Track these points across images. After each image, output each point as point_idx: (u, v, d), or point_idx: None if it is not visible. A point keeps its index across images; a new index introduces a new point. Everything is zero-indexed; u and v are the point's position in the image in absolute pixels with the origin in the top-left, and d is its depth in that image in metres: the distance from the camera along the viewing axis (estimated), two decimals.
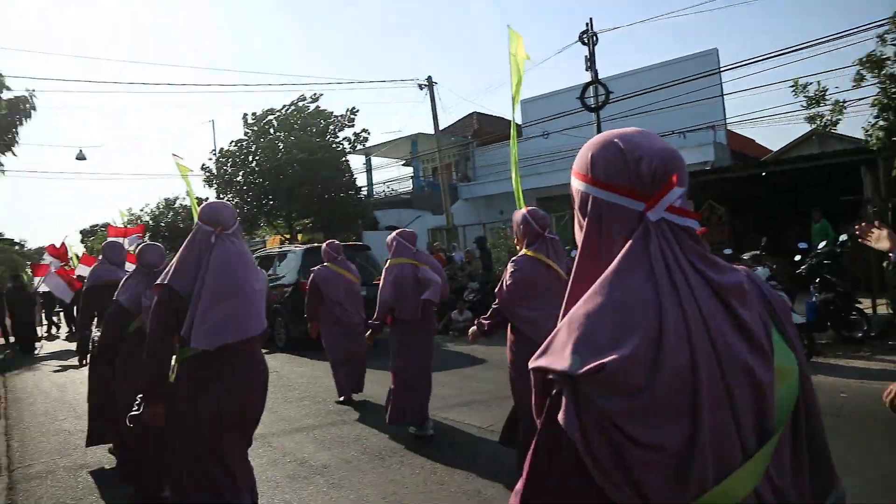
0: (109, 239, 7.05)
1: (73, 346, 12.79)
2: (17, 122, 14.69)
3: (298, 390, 7.16)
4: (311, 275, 6.36)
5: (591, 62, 13.85)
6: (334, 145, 19.59)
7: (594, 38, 13.80)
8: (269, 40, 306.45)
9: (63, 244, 14.54)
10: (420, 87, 18.31)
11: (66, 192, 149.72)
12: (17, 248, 41.99)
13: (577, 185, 1.00)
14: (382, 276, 5.03)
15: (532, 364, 0.89)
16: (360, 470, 4.30)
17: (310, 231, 20.52)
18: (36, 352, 13.67)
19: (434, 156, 25.72)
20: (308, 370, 8.39)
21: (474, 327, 3.95)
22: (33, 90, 14.42)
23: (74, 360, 9.80)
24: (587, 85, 13.81)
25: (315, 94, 19.81)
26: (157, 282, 2.80)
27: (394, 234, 5.14)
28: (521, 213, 3.61)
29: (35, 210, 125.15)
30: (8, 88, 14.79)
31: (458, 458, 4.40)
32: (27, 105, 14.41)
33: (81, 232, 45.67)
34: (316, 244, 10.60)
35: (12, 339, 14.33)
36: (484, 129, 25.31)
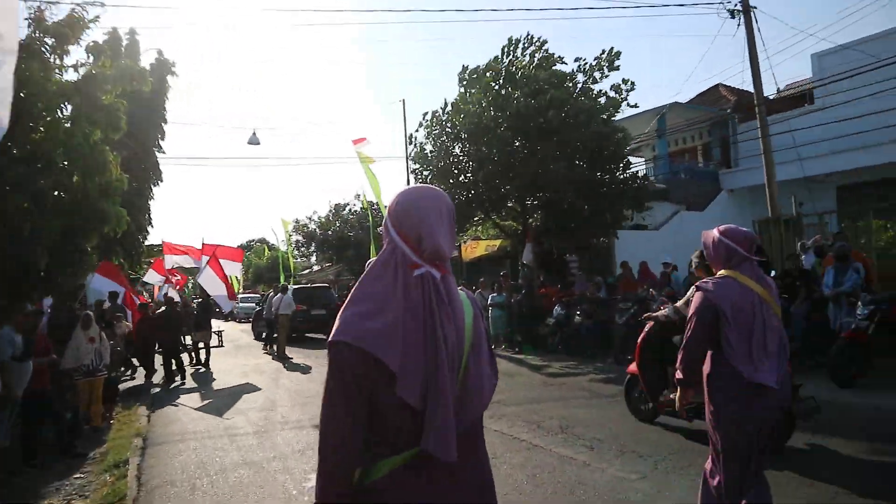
0: None
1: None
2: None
3: None
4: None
5: None
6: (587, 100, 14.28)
7: None
8: None
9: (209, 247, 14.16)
10: (731, 13, 12.70)
11: (240, 187, 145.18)
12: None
13: None
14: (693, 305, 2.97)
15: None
16: None
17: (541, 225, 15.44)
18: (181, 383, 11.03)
19: (683, 136, 21.57)
20: None
21: None
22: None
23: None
24: None
25: (532, 35, 14.88)
26: None
27: (715, 232, 3.00)
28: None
29: (206, 213, 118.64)
30: (175, 75, 15.80)
31: None
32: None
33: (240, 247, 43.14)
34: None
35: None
36: (743, 104, 20.29)
